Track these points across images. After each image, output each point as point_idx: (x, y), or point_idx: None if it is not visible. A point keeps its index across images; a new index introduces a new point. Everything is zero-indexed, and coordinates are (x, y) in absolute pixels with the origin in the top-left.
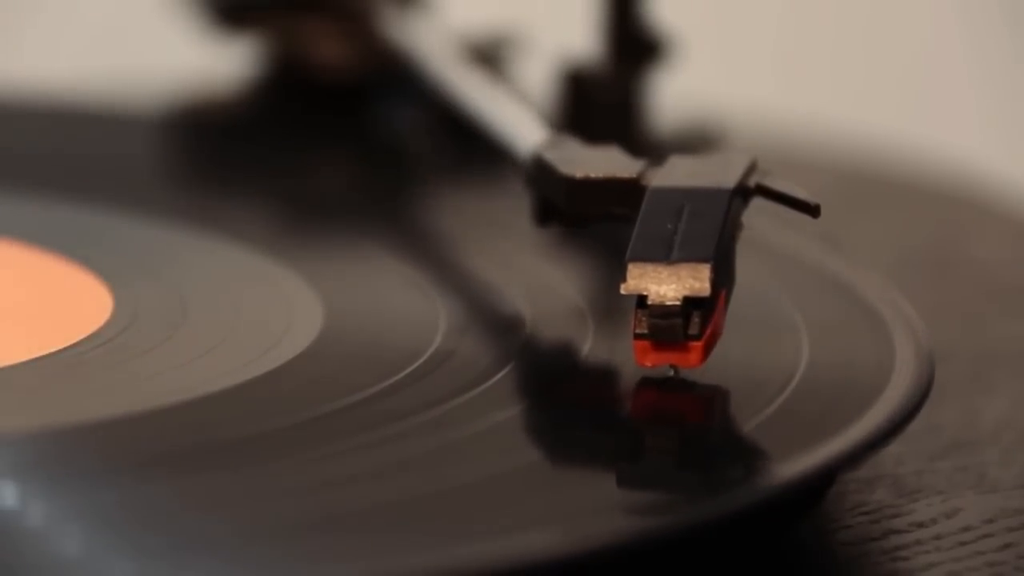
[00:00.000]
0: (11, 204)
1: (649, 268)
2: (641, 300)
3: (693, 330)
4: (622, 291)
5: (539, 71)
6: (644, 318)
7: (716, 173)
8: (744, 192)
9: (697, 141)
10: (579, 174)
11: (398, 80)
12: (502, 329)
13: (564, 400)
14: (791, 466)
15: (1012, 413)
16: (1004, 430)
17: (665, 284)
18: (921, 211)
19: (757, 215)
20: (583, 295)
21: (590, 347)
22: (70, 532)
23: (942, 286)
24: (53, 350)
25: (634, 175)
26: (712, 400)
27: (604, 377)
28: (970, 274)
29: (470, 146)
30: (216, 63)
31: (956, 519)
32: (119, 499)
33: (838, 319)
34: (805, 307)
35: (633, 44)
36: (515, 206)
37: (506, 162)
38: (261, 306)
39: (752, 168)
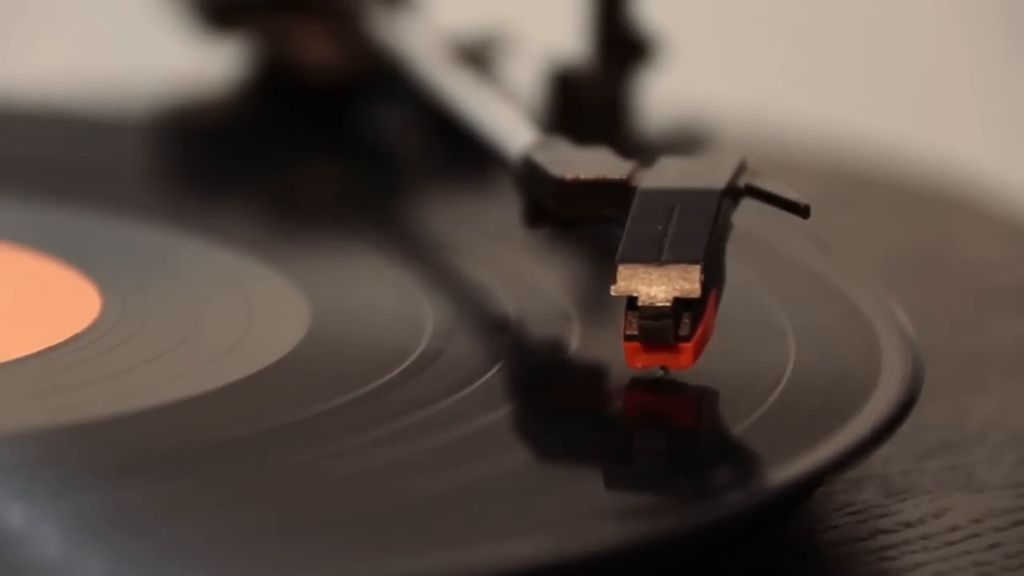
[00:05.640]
0: None
1: (639, 269)
2: (631, 301)
3: (683, 331)
4: (612, 292)
5: (527, 72)
6: (634, 319)
7: (706, 174)
8: (734, 193)
9: (686, 142)
10: (569, 175)
11: (386, 81)
12: (490, 330)
13: (553, 402)
14: (782, 469)
15: (1000, 413)
16: (992, 430)
17: (655, 285)
18: (910, 212)
19: (747, 215)
20: (572, 296)
21: (579, 348)
22: (48, 535)
23: (931, 286)
24: (38, 351)
25: (624, 176)
26: (702, 401)
27: (593, 378)
28: (959, 274)
29: (459, 147)
30: (204, 64)
31: (944, 519)
32: (100, 502)
33: (827, 320)
34: (795, 308)
35: (621, 45)
36: (504, 207)
37: (495, 163)
38: (248, 307)
39: (742, 169)
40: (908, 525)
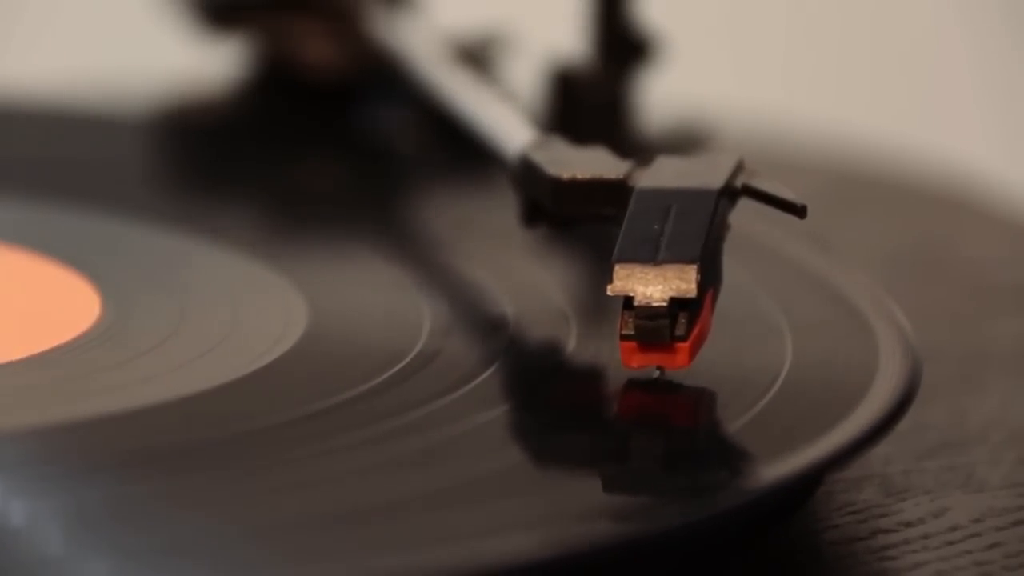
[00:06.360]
0: None
1: (636, 269)
2: (628, 301)
3: (680, 331)
4: (608, 292)
5: (527, 71)
6: (630, 319)
7: (703, 174)
8: (731, 193)
9: (685, 142)
10: (566, 175)
11: (386, 80)
12: (487, 330)
13: (549, 401)
14: (779, 467)
15: (1000, 413)
16: (992, 429)
17: (652, 285)
18: (909, 211)
19: (744, 215)
20: (569, 296)
21: (576, 348)
22: (51, 531)
23: (931, 286)
24: (39, 351)
25: (621, 176)
26: (698, 401)
27: (589, 378)
28: (959, 274)
29: (458, 147)
30: (204, 64)
31: (944, 518)
32: (101, 498)
33: (825, 319)
34: (792, 308)
35: (621, 44)
36: (502, 207)
37: (494, 163)
38: (246, 307)
39: (739, 168)
40: (908, 525)
